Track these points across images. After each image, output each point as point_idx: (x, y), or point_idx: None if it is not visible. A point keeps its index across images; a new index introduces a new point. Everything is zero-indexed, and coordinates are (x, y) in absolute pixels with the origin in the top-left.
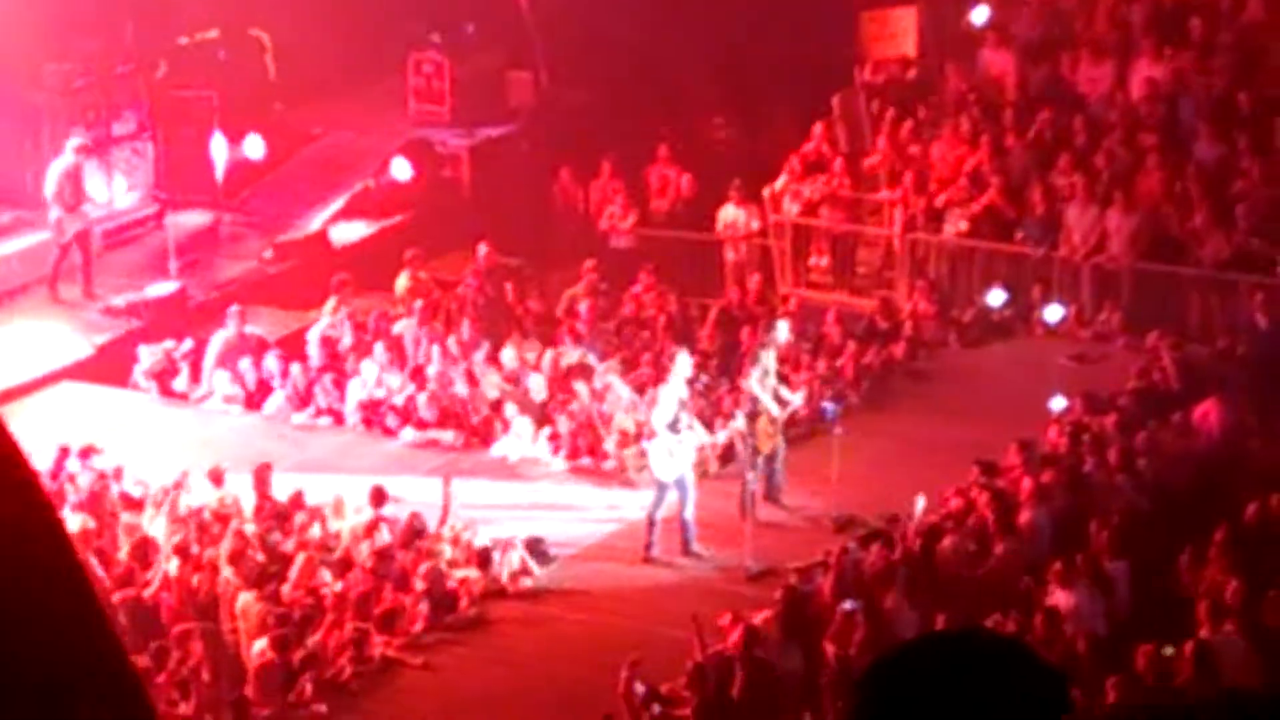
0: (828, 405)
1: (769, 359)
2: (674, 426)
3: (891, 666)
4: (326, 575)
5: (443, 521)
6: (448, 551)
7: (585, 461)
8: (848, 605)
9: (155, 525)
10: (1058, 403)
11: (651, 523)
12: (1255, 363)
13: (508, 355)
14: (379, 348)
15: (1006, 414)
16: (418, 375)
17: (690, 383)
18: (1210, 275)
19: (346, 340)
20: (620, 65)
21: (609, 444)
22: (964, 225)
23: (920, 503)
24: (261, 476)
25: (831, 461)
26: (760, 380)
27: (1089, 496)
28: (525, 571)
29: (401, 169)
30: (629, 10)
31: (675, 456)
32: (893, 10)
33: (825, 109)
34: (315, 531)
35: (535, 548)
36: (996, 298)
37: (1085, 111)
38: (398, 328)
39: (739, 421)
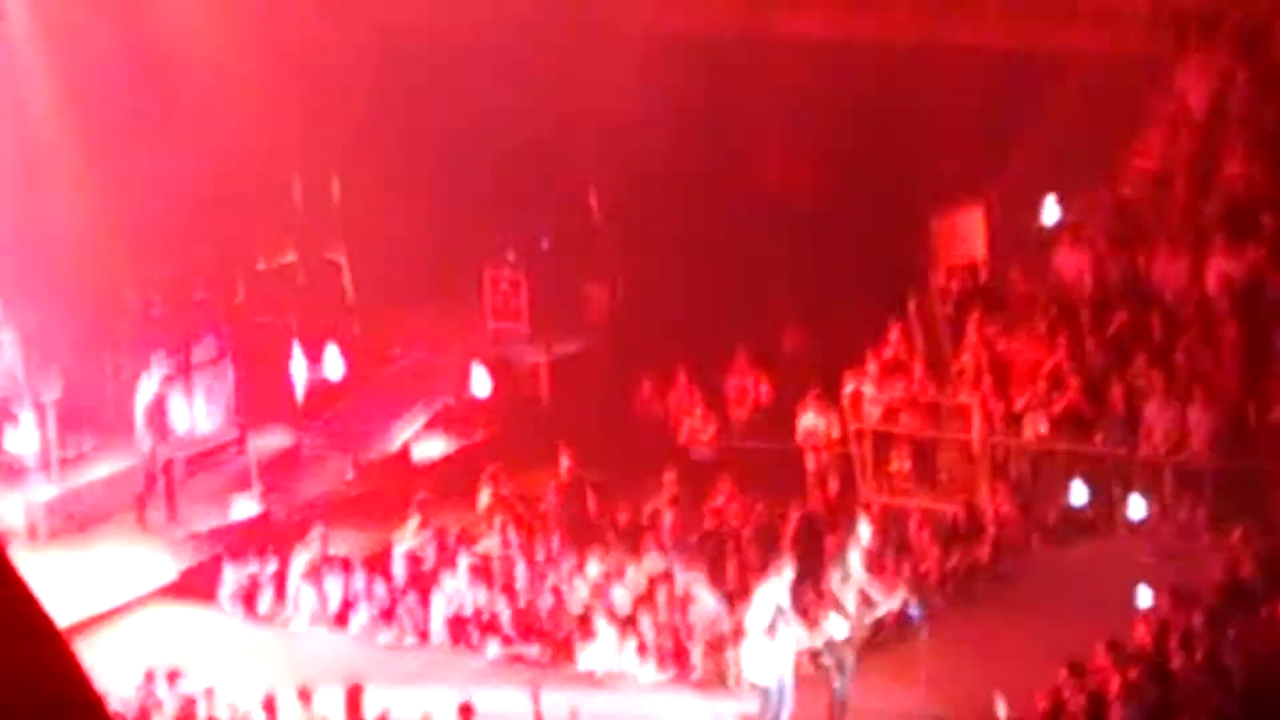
0: (913, 609)
1: (853, 561)
2: (770, 629)
3: None
4: None
5: None
6: None
7: (671, 669)
8: None
9: None
10: (1144, 597)
11: None
12: None
13: (593, 568)
14: (463, 563)
15: (1093, 614)
16: (505, 590)
17: (791, 588)
18: None
19: (430, 557)
20: (695, 274)
21: (695, 653)
22: (1044, 427)
23: (1000, 706)
24: (353, 696)
25: (918, 665)
26: (841, 583)
27: (1178, 694)
28: None
29: (481, 384)
30: (702, 219)
31: (772, 659)
32: (961, 213)
33: (899, 312)
34: None
35: None
36: (1079, 495)
37: (1162, 308)
38: (481, 546)
39: (826, 628)
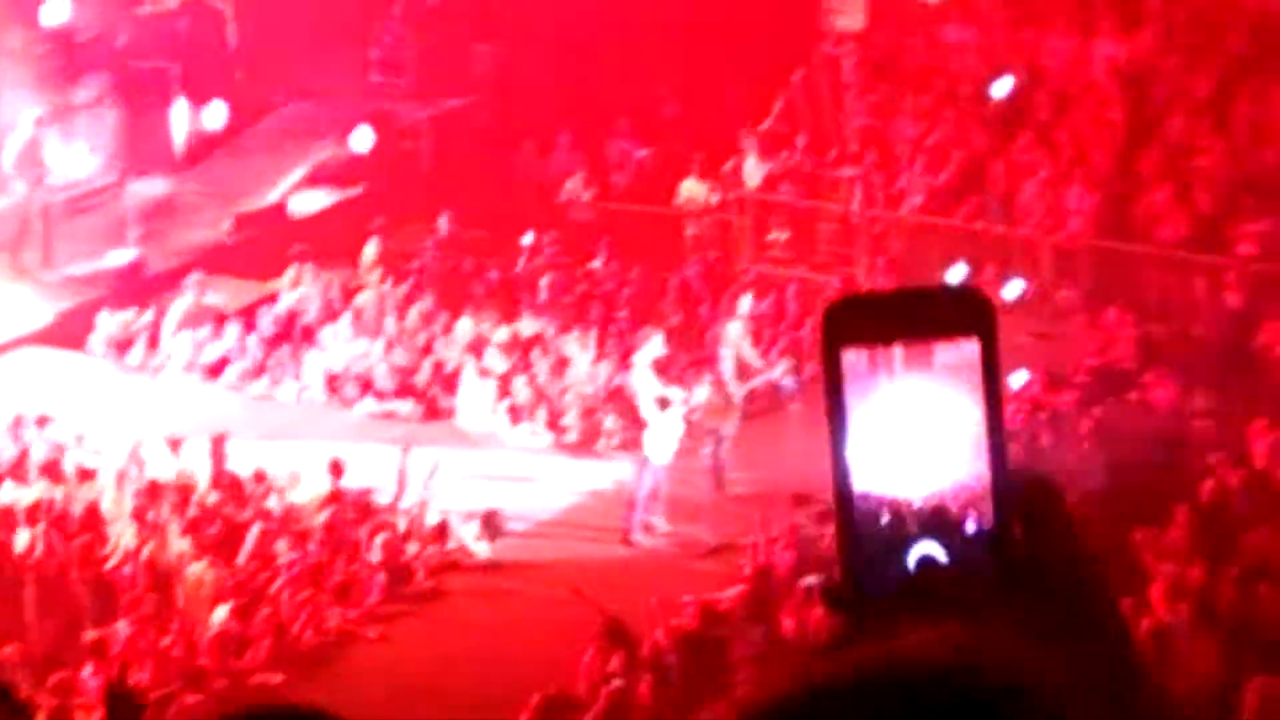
0: (786, 380)
1: (731, 329)
2: (656, 407)
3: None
4: (282, 546)
5: (400, 493)
6: (403, 523)
7: (544, 434)
8: (808, 581)
9: (111, 495)
10: (1017, 378)
11: (634, 504)
12: (1215, 342)
13: (466, 326)
14: (342, 318)
15: None
16: (380, 346)
17: (660, 360)
18: (1169, 254)
19: (311, 310)
20: (581, 38)
21: (569, 416)
22: (919, 200)
23: None
24: (218, 447)
25: (791, 435)
26: (720, 351)
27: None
28: (484, 544)
29: (362, 139)
30: None
31: (665, 438)
32: None
33: (784, 84)
34: (272, 502)
35: (491, 521)
36: (957, 274)
37: (1048, 87)
38: (360, 299)
39: (698, 397)
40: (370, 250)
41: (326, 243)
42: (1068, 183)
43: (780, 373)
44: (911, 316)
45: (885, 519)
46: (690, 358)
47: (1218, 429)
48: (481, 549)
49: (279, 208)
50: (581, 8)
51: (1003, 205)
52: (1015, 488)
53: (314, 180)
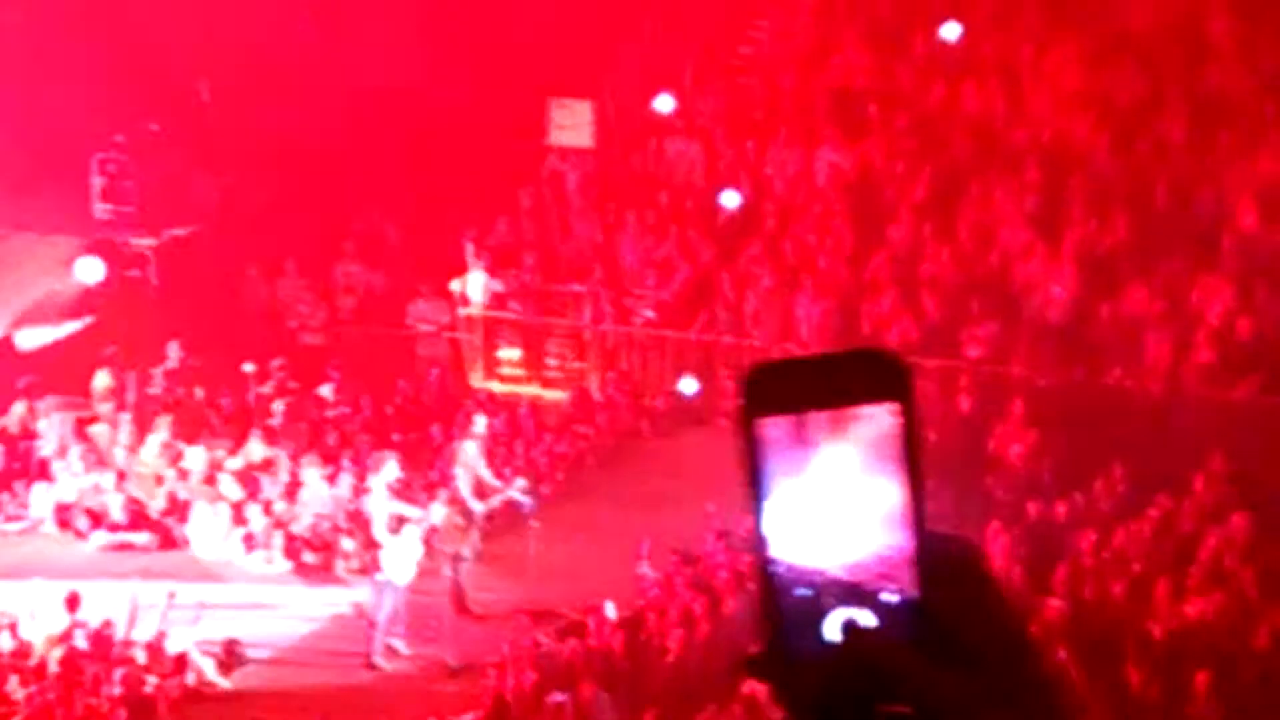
0: (524, 498)
1: (468, 449)
2: (393, 530)
3: None
4: (15, 684)
5: (134, 626)
6: (142, 656)
7: (280, 560)
8: (556, 698)
9: None
10: None
11: (375, 626)
12: (948, 445)
13: (199, 454)
14: (73, 450)
15: (702, 502)
16: (114, 476)
17: (395, 482)
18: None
19: (48, 443)
20: (303, 164)
21: (303, 542)
22: (651, 314)
23: (610, 608)
24: None
25: (529, 553)
26: (456, 471)
27: None
28: (224, 674)
29: (89, 270)
30: (311, 110)
31: (403, 560)
32: (570, 102)
33: (512, 200)
34: (5, 640)
35: (232, 650)
36: (688, 386)
37: (773, 196)
38: (92, 430)
39: (435, 517)
40: (101, 380)
41: (56, 374)
42: (795, 291)
43: (518, 490)
44: (828, 383)
45: (805, 589)
46: (425, 478)
47: (954, 530)
48: (223, 679)
49: (4, 341)
50: (300, 134)
51: (733, 316)
52: (937, 555)
53: (40, 312)
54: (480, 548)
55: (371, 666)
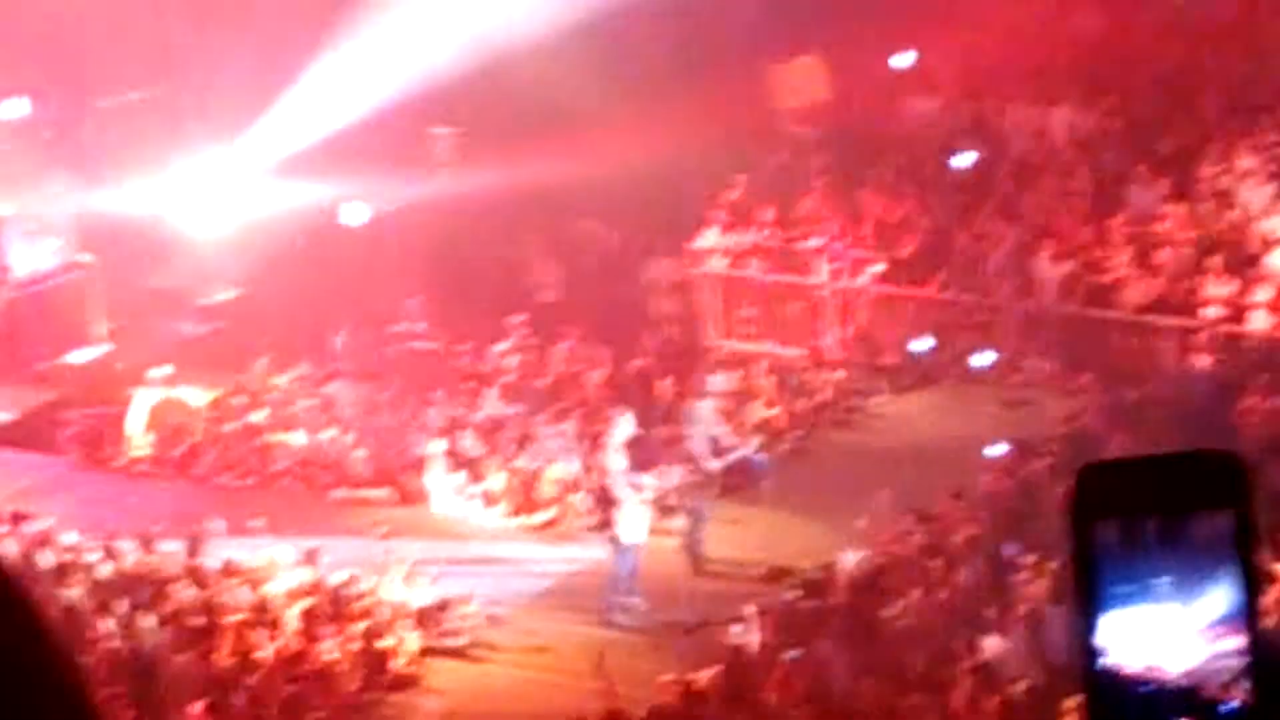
0: (758, 456)
1: (703, 408)
2: (629, 489)
3: None
4: (259, 638)
5: (377, 580)
6: (384, 611)
7: (519, 516)
8: (791, 655)
9: (85, 592)
10: (994, 449)
11: (612, 583)
12: (1181, 404)
13: (438, 412)
14: (314, 407)
15: (939, 461)
16: (353, 434)
17: (631, 440)
18: (1136, 319)
19: (279, 400)
20: (540, 121)
21: (541, 500)
22: (881, 268)
23: (849, 557)
24: (193, 540)
25: (764, 512)
26: (692, 430)
27: (1024, 542)
28: (461, 630)
29: (354, 214)
30: (545, 67)
31: (637, 519)
32: (803, 59)
33: (748, 160)
34: (246, 593)
35: (469, 606)
36: (924, 344)
37: (1011, 157)
38: (329, 387)
39: (672, 476)
40: (338, 339)
41: (294, 333)
42: (1032, 252)
43: (753, 449)
44: (1164, 485)
45: (1138, 698)
46: (662, 437)
47: None
48: (460, 634)
49: (246, 299)
50: (541, 95)
51: (968, 275)
52: (1274, 665)
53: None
54: (715, 506)
55: (608, 624)
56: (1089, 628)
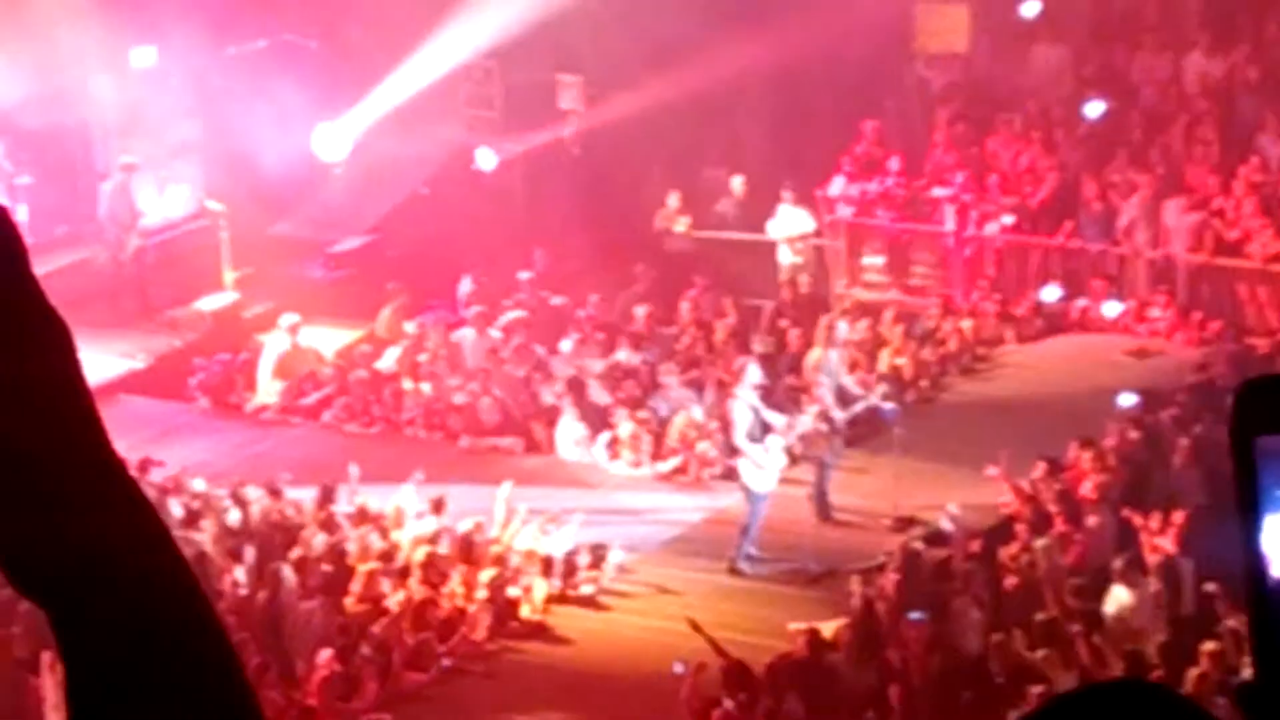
0: (886, 405)
1: (831, 356)
2: (756, 437)
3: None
4: (387, 585)
5: (505, 528)
6: (513, 559)
7: (646, 465)
8: (914, 616)
9: (213, 538)
10: (1125, 399)
11: (740, 531)
12: None
13: (564, 360)
14: (442, 355)
15: (1066, 412)
16: (480, 380)
17: (759, 389)
18: (1266, 268)
19: (404, 349)
20: (668, 68)
21: (669, 448)
22: (1009, 220)
23: (953, 509)
24: (323, 486)
25: (892, 461)
26: (818, 378)
27: (1154, 493)
28: (589, 578)
29: (485, 159)
30: (674, 13)
31: (765, 468)
32: (944, 5)
33: (876, 107)
34: (376, 541)
35: (598, 553)
36: (1052, 293)
37: (1140, 105)
38: (456, 335)
39: (800, 425)
40: (465, 287)
41: (421, 280)
42: (1162, 201)
43: (879, 398)
44: None
45: None
46: (789, 385)
47: None
48: (588, 584)
49: (374, 246)
50: (666, 38)
51: (1097, 225)
52: None
53: (406, 218)
54: (843, 455)
55: (735, 572)
56: (1253, 541)
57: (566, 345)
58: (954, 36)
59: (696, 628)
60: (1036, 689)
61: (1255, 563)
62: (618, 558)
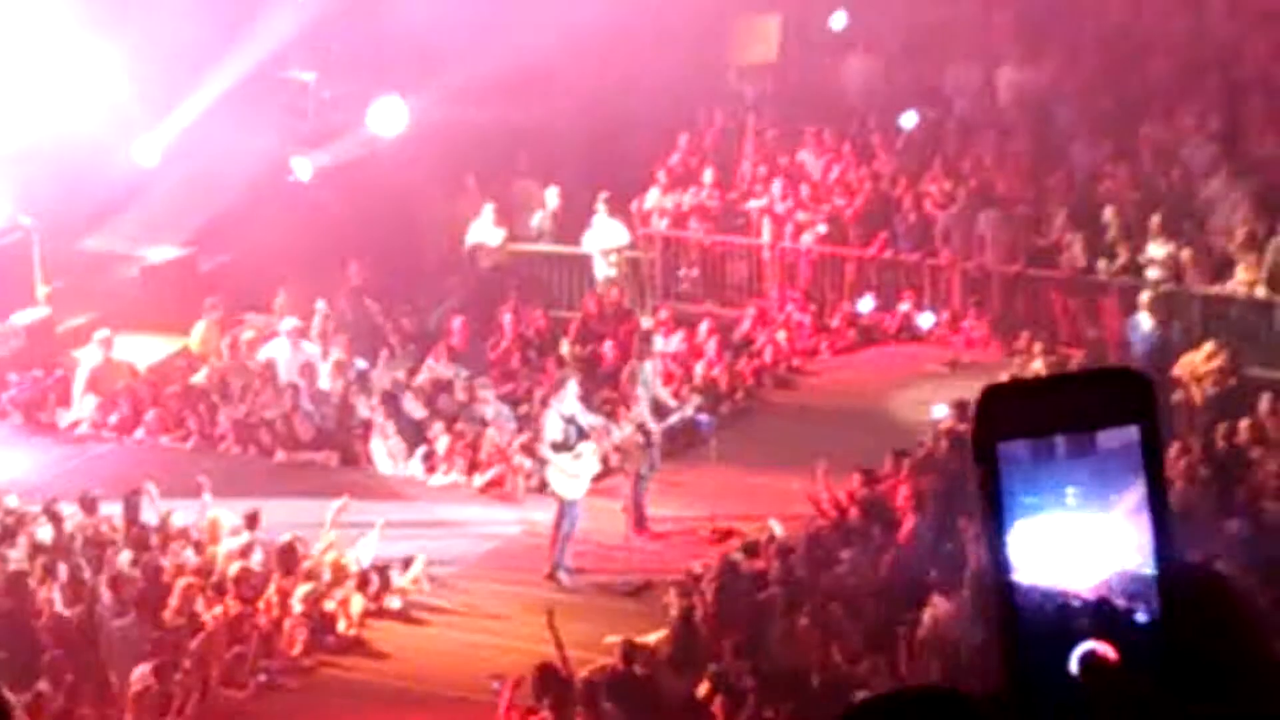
0: (702, 417)
1: (646, 369)
2: (564, 446)
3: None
4: (202, 600)
5: (319, 542)
6: (327, 573)
7: (461, 479)
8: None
9: (27, 555)
10: (938, 410)
11: (555, 542)
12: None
13: (381, 374)
14: (256, 369)
15: (881, 422)
16: (294, 395)
17: (580, 401)
18: (1081, 278)
19: (222, 362)
20: (480, 79)
21: (483, 461)
22: (822, 230)
23: (776, 526)
24: (132, 501)
25: (707, 473)
26: (635, 390)
27: (969, 502)
28: (404, 591)
29: (302, 168)
30: (482, 26)
31: (577, 475)
32: (756, 17)
33: (689, 118)
34: (190, 555)
35: (413, 567)
36: (866, 304)
37: (954, 116)
38: (270, 348)
39: (615, 435)
40: (281, 300)
41: (237, 294)
42: (976, 212)
43: (695, 409)
44: (1070, 404)
45: (1050, 614)
46: (604, 398)
47: None
48: (404, 597)
49: (188, 262)
50: (478, 52)
51: (912, 235)
52: (1180, 579)
53: (217, 233)
54: (659, 467)
55: (553, 579)
56: (998, 545)
57: (382, 358)
58: (765, 47)
59: (550, 621)
60: (859, 698)
61: (1000, 569)
62: (434, 571)
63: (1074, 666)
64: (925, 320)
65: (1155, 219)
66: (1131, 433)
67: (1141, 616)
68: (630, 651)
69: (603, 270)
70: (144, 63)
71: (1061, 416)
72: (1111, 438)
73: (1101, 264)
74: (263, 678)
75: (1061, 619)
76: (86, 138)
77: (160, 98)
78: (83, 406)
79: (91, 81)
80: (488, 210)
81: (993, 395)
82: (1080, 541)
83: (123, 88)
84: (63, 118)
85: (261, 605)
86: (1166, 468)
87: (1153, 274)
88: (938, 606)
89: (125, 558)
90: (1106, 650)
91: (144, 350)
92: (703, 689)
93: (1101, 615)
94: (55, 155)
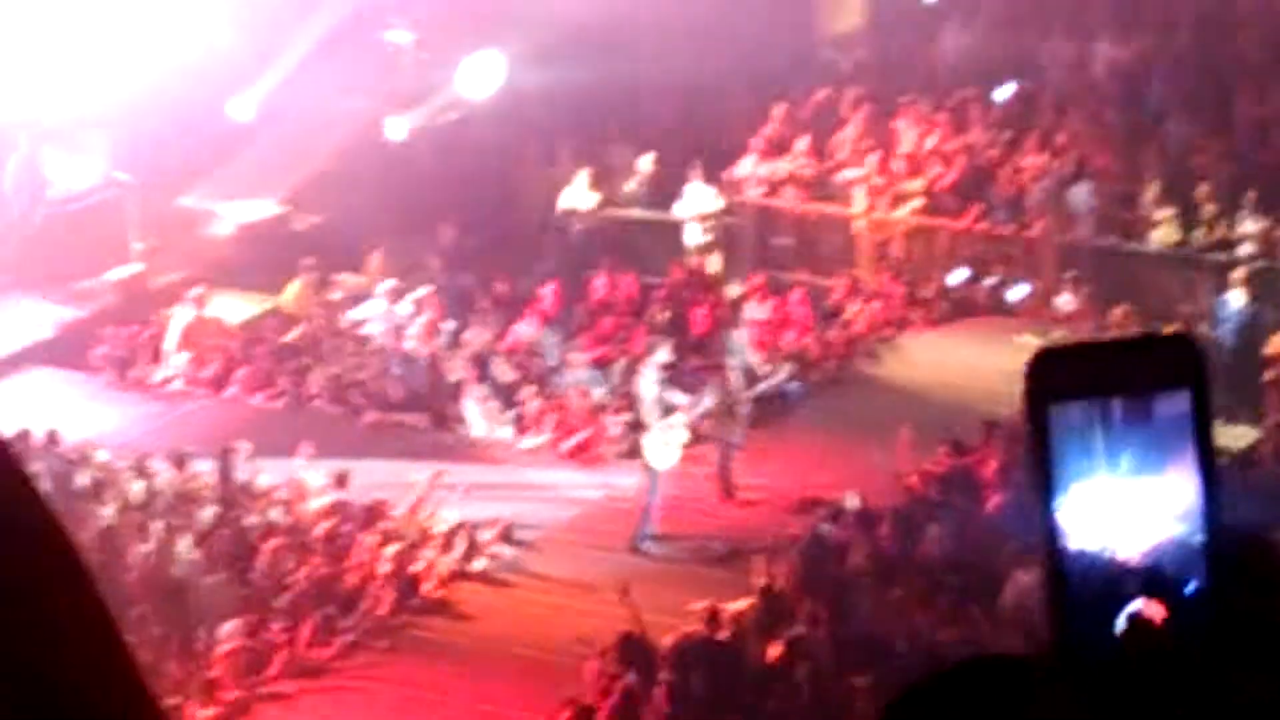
0: (792, 385)
1: (737, 336)
2: (660, 415)
3: (926, 695)
4: (290, 559)
5: (409, 504)
6: (412, 534)
7: (551, 442)
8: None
9: (118, 512)
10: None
11: (642, 510)
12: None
13: (471, 337)
14: (349, 328)
15: (970, 394)
16: (385, 357)
17: (666, 368)
18: (1174, 253)
19: (311, 323)
20: (579, 47)
21: (575, 425)
22: (918, 203)
23: (853, 499)
24: (226, 460)
25: (796, 441)
26: (726, 357)
27: None
28: (491, 554)
29: (397, 129)
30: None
31: (669, 445)
32: None
33: (783, 87)
34: (279, 515)
35: (500, 531)
36: (959, 276)
37: (1049, 89)
38: (363, 311)
39: (705, 403)
40: (374, 262)
41: (330, 254)
42: (1070, 185)
43: (785, 378)
44: (1121, 368)
45: (1099, 579)
46: (696, 365)
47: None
48: (491, 560)
49: (283, 220)
50: (578, 18)
51: (1007, 208)
52: (1232, 545)
53: (313, 192)
54: (748, 434)
55: (637, 550)
56: (1047, 509)
57: (474, 321)
58: (852, 16)
59: (625, 594)
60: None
61: (1052, 534)
62: (520, 535)
63: (1120, 626)
64: (1017, 293)
65: (1250, 194)
66: (1183, 398)
67: (1191, 582)
68: (715, 618)
69: (695, 237)
70: (240, 19)
71: (1113, 380)
72: (1162, 402)
73: (1194, 238)
74: (349, 637)
75: (1110, 583)
76: (182, 94)
77: (256, 55)
78: (174, 363)
79: (188, 38)
80: (582, 175)
81: (1045, 357)
82: (1130, 507)
83: (219, 44)
84: (159, 75)
85: (349, 565)
86: (1258, 446)
87: (1246, 249)
88: (1019, 580)
89: (214, 515)
90: (1155, 609)
91: (236, 308)
92: (785, 655)
93: (1151, 580)
94: (151, 112)
